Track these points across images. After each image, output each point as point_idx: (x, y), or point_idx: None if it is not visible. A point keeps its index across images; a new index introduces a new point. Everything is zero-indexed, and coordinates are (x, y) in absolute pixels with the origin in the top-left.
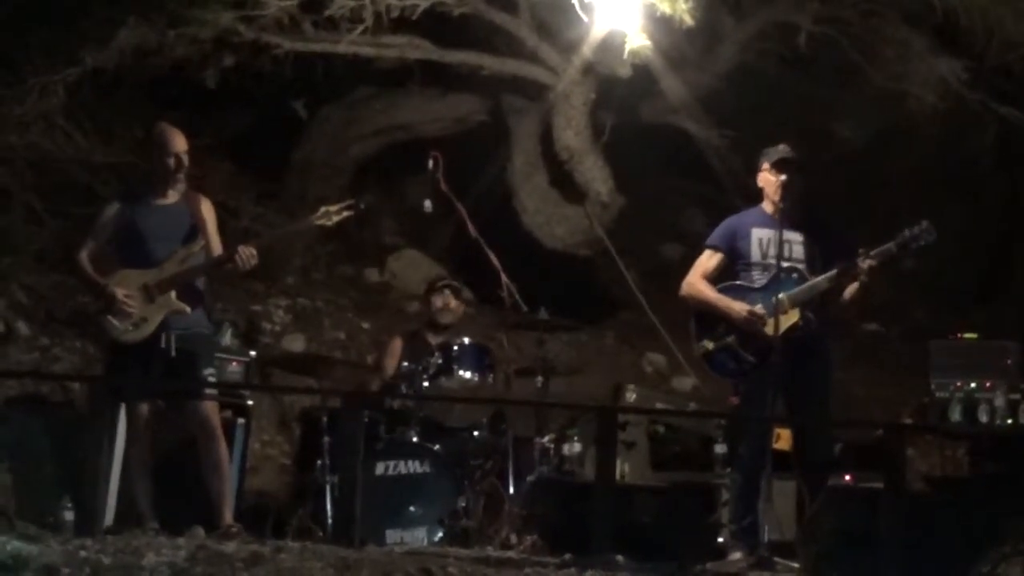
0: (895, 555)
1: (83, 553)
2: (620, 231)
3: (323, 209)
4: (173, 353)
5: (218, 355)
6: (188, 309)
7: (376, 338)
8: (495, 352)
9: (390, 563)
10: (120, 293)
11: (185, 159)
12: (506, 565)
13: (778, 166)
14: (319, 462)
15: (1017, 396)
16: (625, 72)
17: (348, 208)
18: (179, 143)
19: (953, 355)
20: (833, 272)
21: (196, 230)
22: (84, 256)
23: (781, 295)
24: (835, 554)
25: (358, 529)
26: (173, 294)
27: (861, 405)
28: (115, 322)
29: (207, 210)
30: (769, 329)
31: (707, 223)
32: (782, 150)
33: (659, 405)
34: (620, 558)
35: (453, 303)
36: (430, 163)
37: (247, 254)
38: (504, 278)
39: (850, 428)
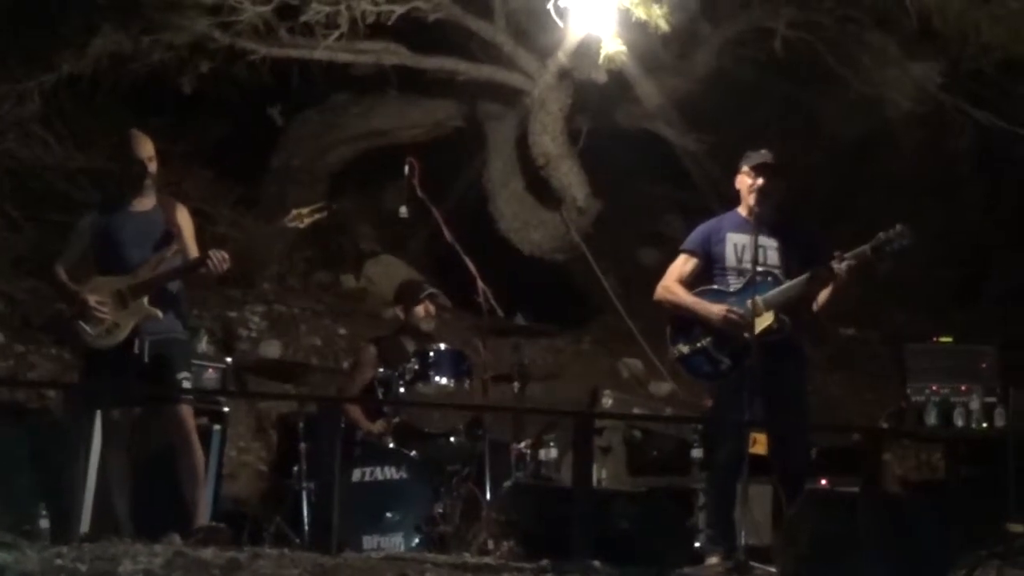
0: (872, 559)
1: (59, 561)
2: (597, 236)
3: (294, 212)
4: (147, 359)
5: (194, 361)
6: (160, 314)
7: (352, 344)
8: (472, 358)
9: (367, 569)
10: (92, 299)
11: (151, 165)
12: (483, 571)
13: (756, 170)
14: (296, 468)
15: (993, 400)
16: (601, 77)
17: (319, 211)
18: (144, 149)
19: (929, 359)
20: (807, 275)
21: (171, 236)
22: (61, 265)
23: (756, 297)
24: (812, 558)
25: (335, 535)
26: (146, 300)
27: (838, 409)
28: (87, 328)
29: (183, 217)
30: (746, 328)
31: (684, 228)
32: (763, 154)
33: (636, 410)
34: (597, 563)
35: (434, 311)
36: (406, 169)
37: (219, 258)
38: (481, 284)
39: (827, 432)
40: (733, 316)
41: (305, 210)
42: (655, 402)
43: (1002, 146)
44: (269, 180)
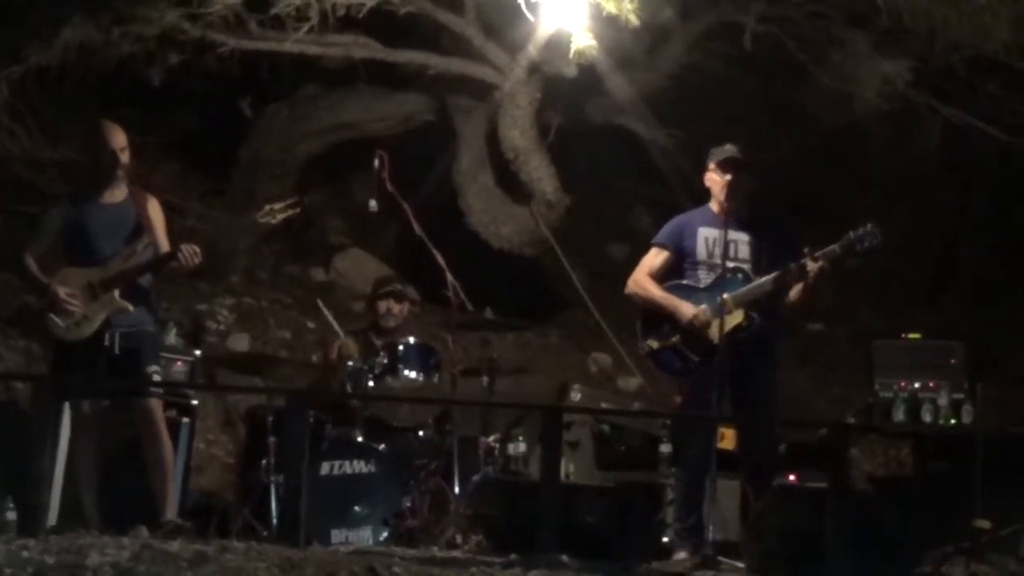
0: (839, 554)
1: (26, 553)
2: (566, 231)
3: (267, 207)
4: (117, 351)
5: (163, 354)
6: (131, 307)
7: (322, 337)
8: (441, 352)
9: (335, 563)
10: (62, 292)
11: (122, 156)
12: (451, 565)
13: (723, 166)
14: (264, 462)
15: (961, 396)
16: (571, 72)
17: (292, 206)
18: (116, 140)
19: (897, 355)
20: (778, 273)
21: (141, 229)
22: (30, 256)
23: (725, 295)
24: (780, 553)
25: (303, 529)
26: (116, 292)
27: (806, 405)
28: (57, 320)
29: (154, 209)
30: (714, 331)
31: (653, 223)
32: (728, 150)
33: (604, 405)
34: (565, 558)
35: (396, 308)
36: (376, 162)
37: (190, 251)
38: (450, 277)
39: (795, 428)
40: (702, 319)
41: (278, 205)
42: (624, 397)
43: (970, 143)
44: (238, 173)
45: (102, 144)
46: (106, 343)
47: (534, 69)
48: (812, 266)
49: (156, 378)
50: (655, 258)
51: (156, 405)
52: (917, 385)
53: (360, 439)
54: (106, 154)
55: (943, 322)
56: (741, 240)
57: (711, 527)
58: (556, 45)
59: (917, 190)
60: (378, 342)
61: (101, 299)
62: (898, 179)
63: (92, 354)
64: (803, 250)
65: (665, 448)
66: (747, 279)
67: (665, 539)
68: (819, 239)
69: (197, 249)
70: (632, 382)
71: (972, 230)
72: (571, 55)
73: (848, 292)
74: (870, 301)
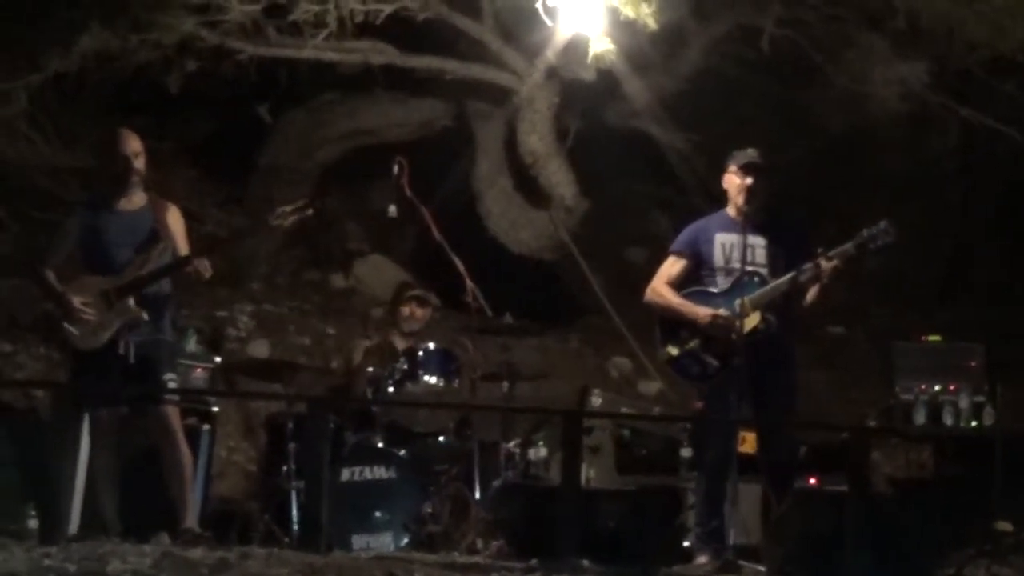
0: (860, 557)
1: (47, 561)
2: (585, 235)
3: (279, 210)
4: (132, 360)
5: (183, 361)
6: (145, 315)
7: (341, 344)
8: (461, 357)
9: (356, 569)
10: (77, 300)
11: (136, 162)
12: (472, 570)
13: (744, 169)
14: (285, 468)
15: (982, 398)
16: (589, 76)
17: (302, 209)
18: (128, 146)
19: (917, 357)
20: (793, 274)
21: (157, 236)
22: (49, 265)
23: (744, 298)
24: (801, 556)
25: (324, 534)
26: (131, 300)
27: (826, 407)
28: (72, 329)
29: (173, 217)
30: (737, 324)
31: (671, 226)
32: (750, 153)
33: (624, 409)
34: (586, 562)
35: (419, 313)
36: (395, 168)
37: (201, 266)
38: (469, 283)
39: (815, 431)
40: (719, 320)
41: (289, 208)
42: (644, 401)
43: (983, 143)
44: (256, 179)
45: (115, 150)
46: (120, 351)
47: (552, 73)
48: (826, 265)
49: (172, 385)
50: (672, 266)
51: (172, 412)
52: (938, 388)
53: (380, 445)
54: (119, 160)
55: (955, 323)
56: (758, 244)
57: (732, 531)
58: (574, 49)
59: (928, 190)
60: (399, 346)
61: (116, 307)
62: (909, 179)
63: (107, 362)
64: (817, 250)
65: (685, 452)
66: (763, 282)
67: (686, 543)
68: (833, 240)
69: (208, 264)
70: (652, 386)
71: (983, 230)
72: (589, 59)
73: (864, 294)
74: (887, 303)
